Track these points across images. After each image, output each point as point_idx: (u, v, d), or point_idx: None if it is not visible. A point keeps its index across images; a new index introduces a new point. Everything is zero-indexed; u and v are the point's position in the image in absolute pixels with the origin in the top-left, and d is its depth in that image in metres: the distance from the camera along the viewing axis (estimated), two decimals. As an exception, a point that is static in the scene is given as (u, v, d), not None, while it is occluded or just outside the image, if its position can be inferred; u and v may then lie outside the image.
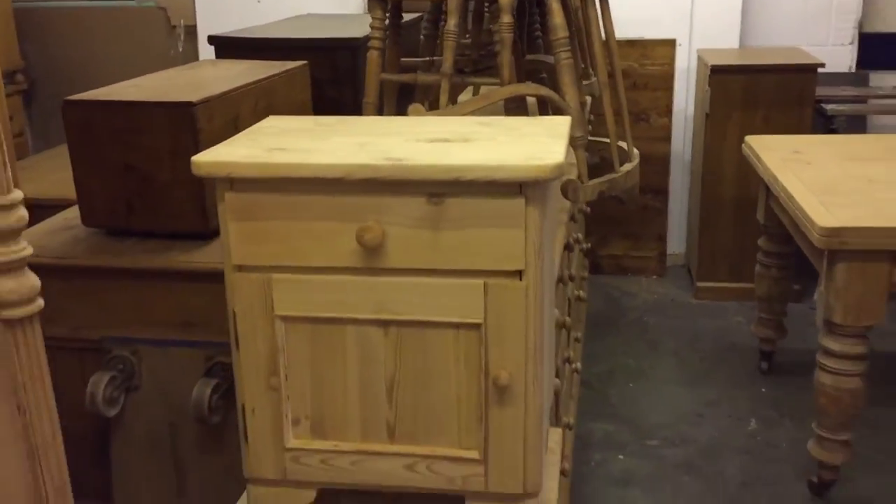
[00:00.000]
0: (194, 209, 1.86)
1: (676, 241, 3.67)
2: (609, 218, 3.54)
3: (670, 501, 2.17)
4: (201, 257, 1.81)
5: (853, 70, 3.67)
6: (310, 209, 1.11)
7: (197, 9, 3.81)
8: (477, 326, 1.13)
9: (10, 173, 0.74)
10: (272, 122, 1.35)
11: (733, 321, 3.13)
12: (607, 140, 1.97)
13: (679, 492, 2.21)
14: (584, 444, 2.41)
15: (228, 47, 2.53)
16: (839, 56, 3.67)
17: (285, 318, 1.16)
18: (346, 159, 1.09)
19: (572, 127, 1.70)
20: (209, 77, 2.12)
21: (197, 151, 1.82)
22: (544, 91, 1.58)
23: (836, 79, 3.56)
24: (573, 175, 1.75)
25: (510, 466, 1.18)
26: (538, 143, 1.15)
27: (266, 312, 1.16)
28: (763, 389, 2.68)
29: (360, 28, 2.47)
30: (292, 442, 1.22)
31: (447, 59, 1.66)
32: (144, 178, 1.85)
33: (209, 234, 1.88)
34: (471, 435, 1.18)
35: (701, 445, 2.40)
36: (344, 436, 1.21)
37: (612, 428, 2.49)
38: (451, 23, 1.64)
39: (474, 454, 1.18)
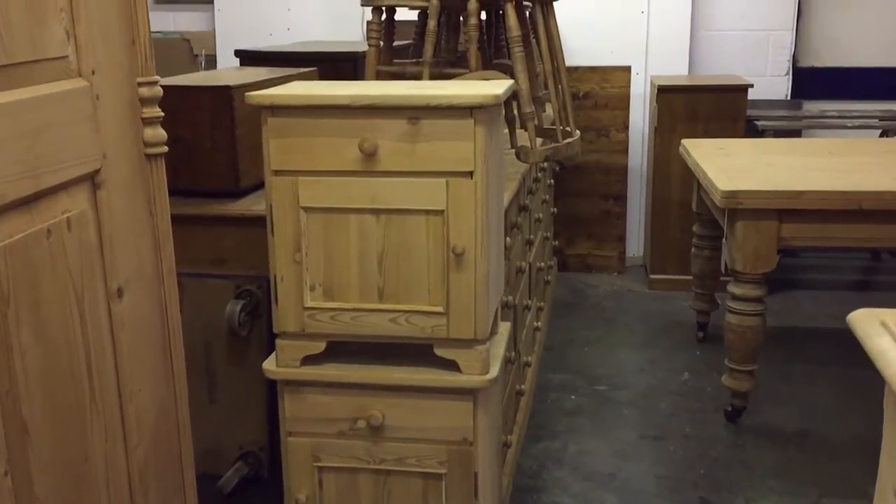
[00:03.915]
0: (228, 172, 2.36)
1: (635, 244, 4.18)
2: (575, 220, 4.04)
3: (611, 426, 2.62)
4: (232, 207, 2.30)
5: (788, 98, 4.23)
6: (325, 129, 1.60)
7: (217, 39, 4.36)
8: (441, 212, 1.62)
9: (152, 63, 1.25)
10: (298, 83, 1.86)
11: (680, 305, 3.61)
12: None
13: (618, 420, 2.66)
14: (543, 388, 2.87)
15: (251, 59, 3.06)
16: (776, 86, 4.23)
17: (307, 209, 1.65)
18: (352, 93, 1.60)
19: (522, 104, 2.22)
20: (238, 74, 2.64)
21: (233, 127, 2.36)
22: (503, 76, 2.10)
23: (772, 104, 4.12)
24: (526, 144, 2.25)
25: (464, 317, 1.66)
26: (485, 87, 1.66)
27: (293, 205, 1.65)
28: (697, 352, 3.15)
29: (358, 47, 3.01)
30: (309, 303, 1.69)
31: (427, 51, 2.18)
32: (190, 147, 2.34)
33: (239, 192, 2.37)
34: (437, 294, 1.66)
35: (640, 389, 2.86)
36: (346, 298, 1.69)
37: (567, 377, 2.95)
38: (431, 23, 2.16)
39: (439, 308, 1.66)
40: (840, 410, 2.68)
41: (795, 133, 3.98)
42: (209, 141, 2.35)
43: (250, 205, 2.28)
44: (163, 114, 1.25)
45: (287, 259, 1.68)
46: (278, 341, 1.74)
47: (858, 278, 4.04)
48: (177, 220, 2.30)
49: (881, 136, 3.92)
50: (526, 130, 2.21)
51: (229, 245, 2.33)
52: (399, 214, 1.63)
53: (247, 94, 1.62)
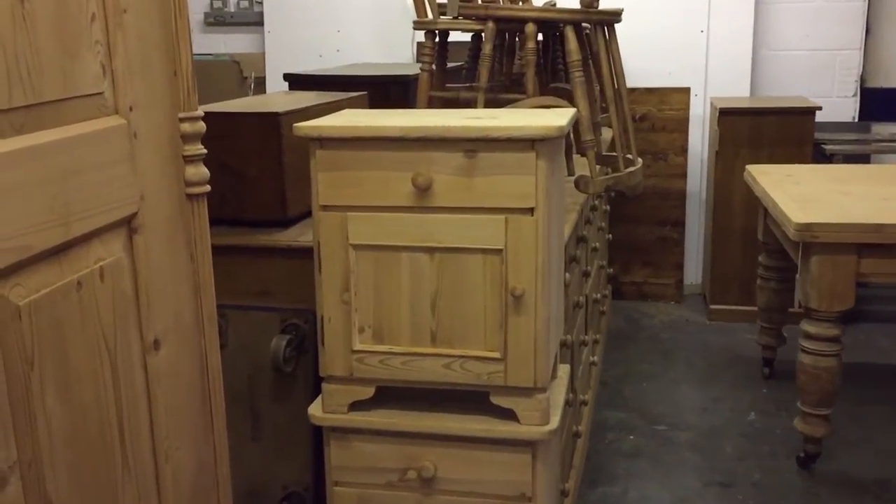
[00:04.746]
0: (276, 200, 2.28)
1: (693, 272, 4.01)
2: (631, 247, 3.90)
3: (673, 471, 2.47)
4: (279, 238, 2.22)
5: (856, 120, 4.04)
6: (377, 162, 1.51)
7: (266, 61, 4.33)
8: (499, 251, 1.51)
9: (195, 97, 1.16)
10: (348, 112, 1.77)
11: (742, 337, 3.44)
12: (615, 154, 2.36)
13: (681, 464, 2.51)
14: (600, 427, 2.73)
15: (300, 83, 3.00)
16: (843, 107, 4.04)
17: (356, 247, 1.56)
18: (404, 124, 1.50)
19: (582, 131, 2.11)
20: (287, 99, 2.57)
21: (281, 155, 2.28)
22: (562, 102, 1.99)
23: (839, 127, 3.93)
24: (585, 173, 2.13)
25: (523, 364, 1.54)
26: (546, 117, 1.55)
27: (342, 242, 1.56)
28: (764, 390, 2.98)
29: (409, 70, 2.93)
30: (358, 345, 1.59)
31: (483, 76, 2.08)
32: (236, 175, 2.28)
33: (287, 221, 2.29)
34: (494, 339, 1.55)
35: (703, 430, 2.70)
36: (397, 341, 1.59)
37: (624, 416, 2.81)
38: (487, 47, 2.06)
39: (496, 354, 1.55)
40: (921, 457, 2.49)
41: (864, 157, 3.79)
42: (256, 169, 2.28)
43: (297, 235, 2.20)
44: (206, 151, 1.17)
45: (335, 299, 1.58)
46: (325, 385, 1.64)
47: (933, 310, 3.82)
48: (222, 251, 2.25)
49: (957, 160, 3.71)
50: (585, 157, 2.10)
51: (275, 277, 2.25)
52: (454, 253, 1.53)
53: (295, 125, 1.54)
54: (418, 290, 1.56)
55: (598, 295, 2.88)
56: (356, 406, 1.63)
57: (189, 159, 1.15)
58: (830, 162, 3.50)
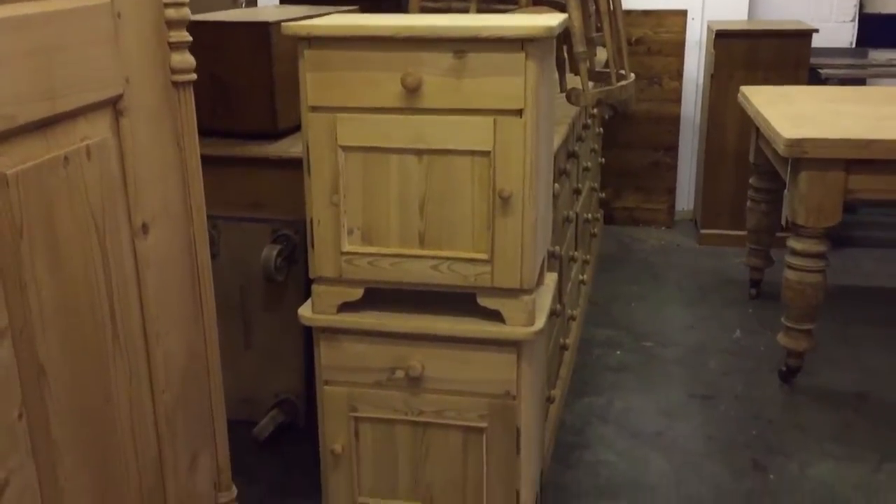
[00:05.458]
0: (266, 112, 2.27)
1: (685, 197, 4.03)
2: (623, 172, 3.90)
3: (658, 384, 2.52)
4: (270, 149, 2.22)
5: (853, 46, 4.01)
6: (366, 62, 1.51)
7: (258, -20, 4.24)
8: (487, 153, 1.51)
9: (182, -16, 1.16)
10: (338, 14, 1.76)
11: (732, 261, 3.48)
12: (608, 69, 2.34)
13: (666, 377, 2.56)
14: (587, 344, 2.77)
15: (291, -2, 2.96)
16: (841, 33, 4.00)
17: (345, 148, 1.56)
18: (394, 23, 1.49)
19: (575, 43, 2.09)
20: (277, 12, 2.54)
21: (271, 65, 2.27)
22: (555, 12, 1.97)
23: (836, 52, 3.90)
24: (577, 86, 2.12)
25: (510, 266, 1.56)
26: (537, 19, 1.54)
27: (331, 143, 1.56)
28: (750, 310, 3.03)
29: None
30: (347, 247, 1.61)
31: (475, -15, 2.05)
32: (226, 86, 2.26)
33: (278, 133, 2.29)
34: (481, 240, 1.57)
35: (689, 347, 2.75)
36: (386, 242, 1.60)
37: (612, 333, 2.86)
38: (479, -45, 2.04)
39: (483, 255, 1.57)
40: (901, 374, 2.55)
41: (860, 82, 3.76)
42: (246, 80, 2.26)
43: (288, 147, 2.20)
44: (191, 38, 1.16)
45: (324, 201, 1.59)
46: (314, 287, 1.66)
47: (921, 237, 3.85)
48: (212, 162, 2.25)
49: (953, 86, 3.69)
50: (577, 73, 2.09)
51: (266, 188, 2.26)
52: (443, 155, 1.53)
53: (283, 24, 1.53)
54: (407, 192, 1.57)
55: (589, 216, 2.89)
56: (345, 307, 1.66)
57: (174, 46, 1.14)
58: (825, 86, 3.48)
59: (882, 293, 3.16)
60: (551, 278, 1.86)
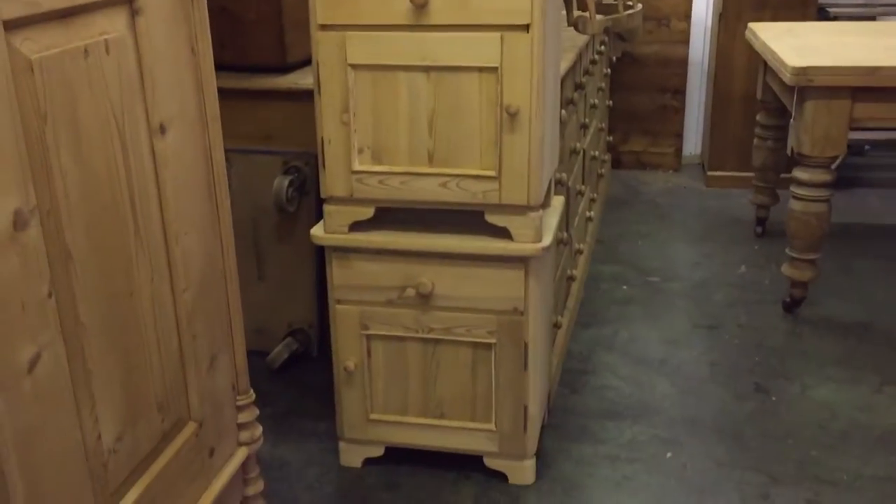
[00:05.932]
0: (275, 44, 2.29)
1: (693, 141, 4.03)
2: (630, 116, 3.90)
3: (663, 316, 2.56)
4: (280, 82, 2.24)
5: (864, -15, 3.97)
6: (375, -21, 1.52)
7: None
8: (495, 69, 1.54)
9: None
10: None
11: (738, 202, 3.49)
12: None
13: (671, 310, 2.60)
14: (594, 279, 2.81)
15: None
16: (851, -27, 3.96)
17: (355, 66, 1.58)
18: (402, -60, 1.50)
19: (582, -30, 2.10)
20: (285, -53, 2.54)
21: (278, -3, 2.26)
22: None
23: (846, -8, 3.86)
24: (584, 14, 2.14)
25: (518, 182, 1.59)
26: (544, -65, 1.55)
27: (341, 62, 1.58)
28: (756, 247, 3.05)
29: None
30: (357, 166, 1.64)
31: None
32: (235, 19, 2.28)
33: (287, 66, 2.30)
34: (489, 157, 1.59)
35: (695, 281, 2.79)
36: (395, 161, 1.63)
37: (618, 269, 2.89)
38: None
39: (491, 172, 1.60)
40: (904, 305, 2.58)
41: (869, 20, 3.74)
42: (254, 13, 2.27)
43: (298, 79, 2.22)
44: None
45: (335, 120, 1.62)
46: (326, 206, 1.70)
47: (928, 179, 3.85)
48: (222, 95, 2.24)
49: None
50: (585, 10, 2.09)
51: (276, 121, 2.28)
52: (450, 72, 1.56)
53: (292, -59, 1.54)
54: (416, 110, 1.59)
55: (596, 154, 2.91)
56: (356, 227, 1.69)
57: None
58: (834, 24, 3.46)
59: (887, 230, 3.18)
60: (558, 201, 1.89)
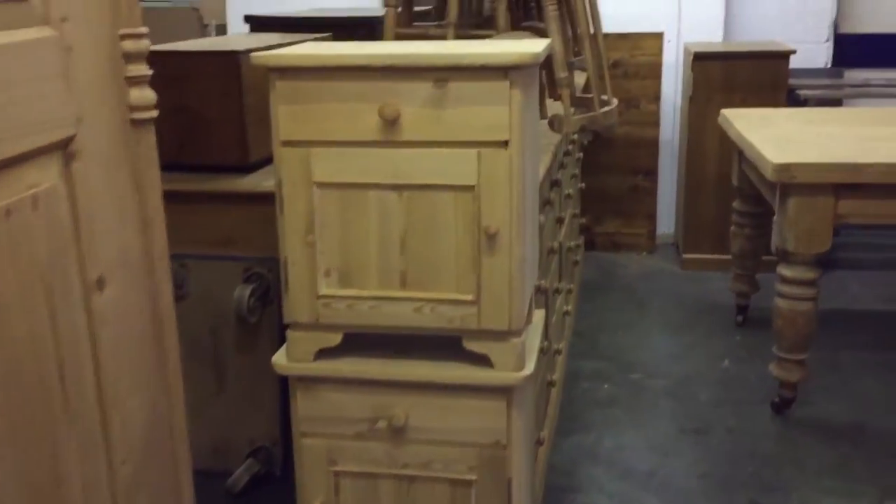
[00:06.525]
0: (236, 144, 2.17)
1: (666, 222, 3.97)
2: (603, 197, 3.84)
3: (648, 419, 2.44)
4: (241, 183, 2.12)
5: (829, 66, 3.99)
6: (341, 93, 1.41)
7: (227, 8, 4.16)
8: (471, 188, 1.42)
9: (138, 12, 1.06)
10: (311, 43, 1.67)
11: (716, 286, 3.41)
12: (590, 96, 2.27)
13: (656, 411, 2.48)
14: (574, 377, 2.68)
15: (262, 25, 2.87)
16: (816, 53, 3.99)
17: (320, 185, 1.46)
18: (369, 52, 1.40)
19: (556, 68, 2.02)
20: (247, 40, 2.45)
21: (241, 95, 2.17)
22: (535, 37, 1.90)
23: (813, 73, 3.88)
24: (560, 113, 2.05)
25: (498, 307, 1.47)
26: (520, 45, 1.46)
27: (305, 180, 1.46)
28: (737, 337, 2.96)
29: (376, 11, 2.81)
30: (324, 290, 1.51)
31: (452, 12, 1.98)
32: (195, 118, 2.16)
33: (249, 167, 2.18)
34: (466, 281, 1.47)
35: (678, 378, 2.67)
36: (365, 284, 1.50)
37: (598, 365, 2.77)
38: (456, -20, 1.96)
39: (469, 297, 1.47)
40: None
41: (837, 102, 3.75)
42: (215, 111, 2.16)
43: (260, 180, 2.10)
44: (151, 72, 1.07)
45: (298, 241, 1.49)
46: (289, 333, 1.56)
47: (904, 257, 3.82)
48: (180, 198, 2.14)
49: (930, 106, 3.67)
50: (558, 99, 2.01)
51: (238, 224, 2.15)
52: (424, 191, 1.44)
53: (253, 54, 1.43)
54: (386, 230, 1.47)
55: (572, 244, 2.82)
56: (323, 354, 1.55)
57: (133, 81, 1.04)
58: (804, 107, 3.45)
59: (870, 317, 3.11)
60: (539, 316, 1.77)
